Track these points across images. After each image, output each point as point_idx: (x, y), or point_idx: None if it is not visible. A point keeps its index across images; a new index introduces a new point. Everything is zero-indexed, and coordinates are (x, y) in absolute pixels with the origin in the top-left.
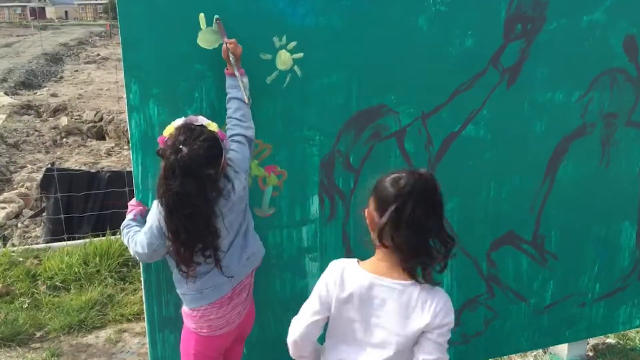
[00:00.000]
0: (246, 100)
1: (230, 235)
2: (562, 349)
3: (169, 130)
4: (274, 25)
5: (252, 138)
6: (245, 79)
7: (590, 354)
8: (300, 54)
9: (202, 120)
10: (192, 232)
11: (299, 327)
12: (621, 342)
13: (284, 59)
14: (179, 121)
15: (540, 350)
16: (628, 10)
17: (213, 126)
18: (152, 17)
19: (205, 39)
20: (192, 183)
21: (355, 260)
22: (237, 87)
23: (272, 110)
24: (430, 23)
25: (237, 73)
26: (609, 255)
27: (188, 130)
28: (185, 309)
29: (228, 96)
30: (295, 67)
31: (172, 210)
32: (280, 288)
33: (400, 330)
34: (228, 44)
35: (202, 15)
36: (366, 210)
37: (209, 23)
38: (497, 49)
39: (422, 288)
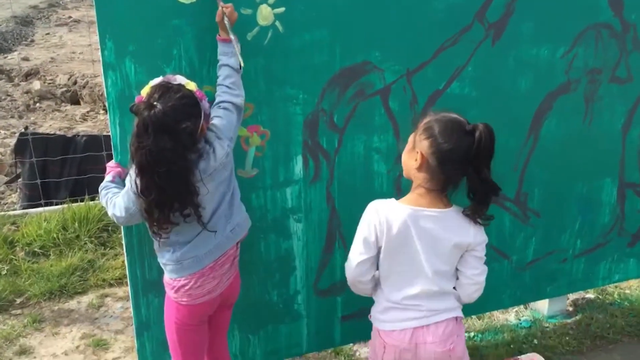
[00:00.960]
0: (242, 63)
1: (213, 203)
2: (543, 304)
3: (146, 90)
4: None
5: (240, 106)
6: (239, 45)
7: (570, 309)
8: (282, 9)
9: (180, 79)
10: (167, 191)
11: (349, 270)
12: (600, 297)
13: (265, 14)
14: (156, 80)
15: (522, 306)
16: None
17: (191, 85)
18: None
19: None
20: (167, 139)
21: (392, 199)
22: (229, 54)
23: (254, 67)
24: None
25: (232, 37)
26: (590, 212)
27: (164, 87)
28: (166, 277)
29: (219, 63)
30: (277, 23)
31: (144, 168)
32: (265, 249)
33: (448, 251)
34: (225, 8)
35: None
36: (413, 150)
37: None
38: (482, 3)
39: (459, 210)
